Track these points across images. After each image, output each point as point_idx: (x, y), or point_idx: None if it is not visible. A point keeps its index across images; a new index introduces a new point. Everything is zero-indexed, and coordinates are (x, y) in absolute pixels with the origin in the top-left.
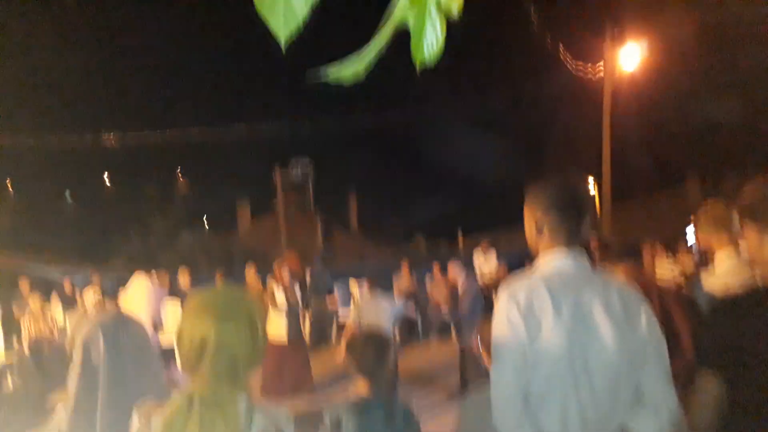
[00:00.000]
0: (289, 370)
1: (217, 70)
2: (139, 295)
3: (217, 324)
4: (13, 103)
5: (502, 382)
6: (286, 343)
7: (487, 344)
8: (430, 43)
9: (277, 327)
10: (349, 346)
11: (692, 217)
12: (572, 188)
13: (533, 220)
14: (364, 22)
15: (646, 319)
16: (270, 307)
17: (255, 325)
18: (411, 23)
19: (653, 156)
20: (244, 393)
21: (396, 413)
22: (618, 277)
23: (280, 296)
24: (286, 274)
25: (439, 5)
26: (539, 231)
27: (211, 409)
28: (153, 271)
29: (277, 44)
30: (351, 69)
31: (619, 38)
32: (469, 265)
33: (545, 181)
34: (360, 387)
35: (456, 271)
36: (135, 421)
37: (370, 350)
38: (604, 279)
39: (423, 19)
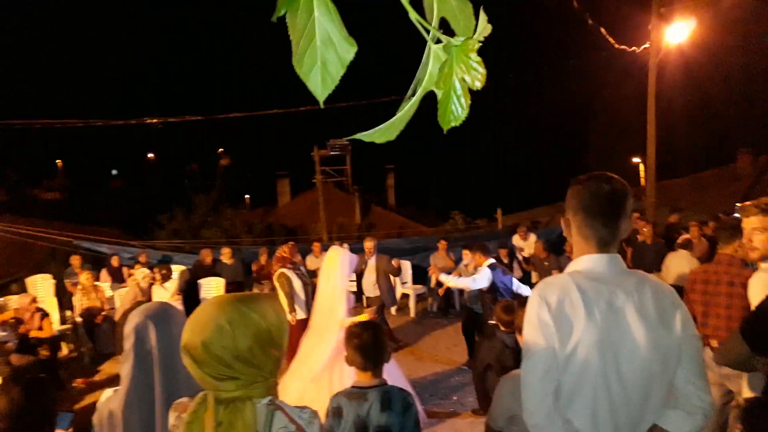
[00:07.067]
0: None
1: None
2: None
3: (214, 336)
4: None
5: (533, 380)
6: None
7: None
8: (456, 113)
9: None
10: (348, 336)
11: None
12: (606, 194)
13: (569, 220)
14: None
15: (681, 320)
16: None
17: (263, 336)
18: (438, 96)
19: (702, 134)
20: (264, 394)
21: (394, 399)
22: (653, 277)
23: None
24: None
25: (464, 81)
26: (574, 233)
27: (229, 410)
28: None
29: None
30: (383, 136)
31: (665, 16)
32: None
33: (580, 184)
34: (359, 375)
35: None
36: (171, 418)
37: (368, 339)
38: (638, 280)
39: (449, 93)
